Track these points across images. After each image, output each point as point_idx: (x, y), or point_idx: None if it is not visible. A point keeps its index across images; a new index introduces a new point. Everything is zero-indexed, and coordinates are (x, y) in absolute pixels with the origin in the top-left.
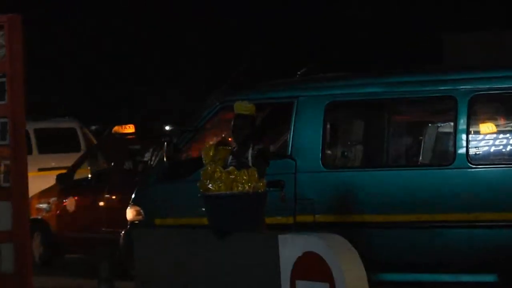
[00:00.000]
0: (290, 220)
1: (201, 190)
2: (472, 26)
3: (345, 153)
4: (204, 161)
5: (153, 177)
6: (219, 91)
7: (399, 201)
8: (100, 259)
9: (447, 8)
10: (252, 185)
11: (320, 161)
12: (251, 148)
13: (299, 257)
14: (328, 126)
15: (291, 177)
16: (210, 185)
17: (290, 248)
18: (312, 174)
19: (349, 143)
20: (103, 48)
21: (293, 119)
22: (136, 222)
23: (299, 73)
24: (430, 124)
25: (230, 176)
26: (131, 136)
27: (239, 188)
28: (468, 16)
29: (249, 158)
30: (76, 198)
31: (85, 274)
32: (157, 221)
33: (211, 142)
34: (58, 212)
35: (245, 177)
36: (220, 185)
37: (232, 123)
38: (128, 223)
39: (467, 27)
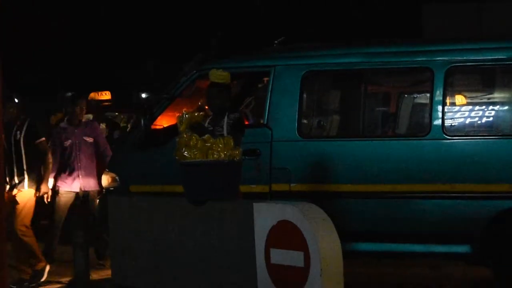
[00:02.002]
0: (266, 189)
1: (177, 158)
2: None
3: (321, 123)
4: (179, 129)
5: (129, 144)
6: (196, 59)
7: (374, 171)
8: (75, 225)
9: None
10: (227, 153)
11: (296, 130)
12: (226, 117)
13: (274, 226)
14: (305, 95)
15: (267, 146)
16: (185, 152)
17: (265, 217)
18: (287, 143)
19: (325, 112)
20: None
21: (270, 88)
22: (111, 188)
23: (276, 42)
24: (406, 95)
25: (206, 144)
26: (107, 103)
27: (215, 156)
28: None
29: (224, 126)
30: None
31: (60, 241)
32: (133, 188)
33: (185, 110)
34: None
35: (220, 145)
36: (196, 152)
37: (207, 91)
38: (104, 189)
39: None
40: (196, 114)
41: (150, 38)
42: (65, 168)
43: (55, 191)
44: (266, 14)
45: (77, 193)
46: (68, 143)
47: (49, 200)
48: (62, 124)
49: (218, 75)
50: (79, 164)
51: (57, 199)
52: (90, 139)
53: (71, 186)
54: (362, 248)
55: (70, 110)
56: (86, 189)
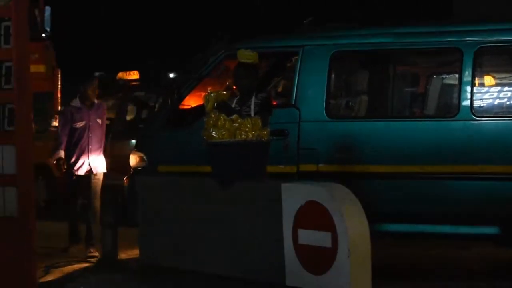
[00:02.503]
0: (293, 169)
1: (205, 138)
2: None
3: (349, 103)
4: (205, 108)
5: (157, 124)
6: (225, 39)
7: (402, 152)
8: (104, 205)
9: None
10: (255, 134)
11: (324, 111)
12: (254, 97)
13: (302, 206)
14: (333, 76)
15: (294, 126)
16: (213, 133)
17: (293, 197)
18: (315, 124)
19: (353, 93)
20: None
21: (298, 68)
22: (139, 168)
23: (305, 22)
24: (435, 76)
25: (234, 124)
26: (135, 83)
27: (243, 136)
28: None
29: (252, 106)
30: None
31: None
32: (161, 168)
33: (210, 89)
34: None
35: (248, 126)
36: (224, 133)
37: (234, 71)
38: (131, 169)
39: None
40: (222, 93)
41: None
42: (74, 149)
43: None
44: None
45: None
46: (82, 124)
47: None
48: (74, 103)
49: (246, 55)
50: (90, 147)
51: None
52: (100, 121)
53: (81, 169)
54: (391, 229)
55: (83, 91)
56: (95, 171)
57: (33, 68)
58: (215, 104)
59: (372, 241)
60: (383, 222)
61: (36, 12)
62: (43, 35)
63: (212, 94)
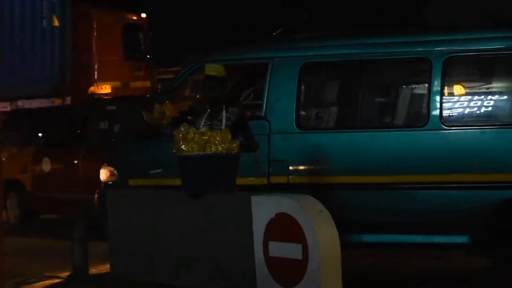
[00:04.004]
0: (264, 181)
1: (174, 151)
2: None
3: (319, 114)
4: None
5: (128, 138)
6: (198, 51)
7: (372, 163)
8: (75, 219)
9: None
10: (225, 146)
11: (294, 122)
12: (224, 110)
13: (272, 219)
14: (303, 87)
15: (265, 138)
16: (183, 146)
17: (263, 210)
18: (285, 135)
19: (323, 104)
20: None
21: (268, 80)
22: (110, 182)
23: (274, 33)
24: (404, 86)
25: (203, 137)
26: (107, 97)
27: (212, 149)
28: None
29: (223, 120)
30: (51, 158)
31: (60, 235)
32: (131, 182)
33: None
34: (33, 172)
35: (218, 138)
36: (193, 146)
37: (202, 84)
38: (102, 183)
39: None
40: (168, 105)
41: None
42: None
43: None
44: (265, 13)
45: None
46: None
47: None
48: None
49: (213, 68)
50: None
51: None
52: None
53: None
54: (362, 240)
55: None
56: None
57: (141, 84)
58: (171, 117)
59: (343, 251)
60: (355, 233)
61: (141, 35)
62: (147, 56)
63: (157, 108)
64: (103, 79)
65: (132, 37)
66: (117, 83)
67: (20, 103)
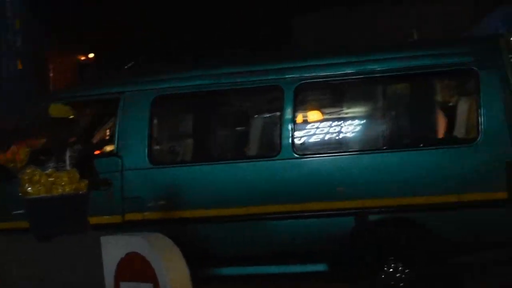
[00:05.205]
0: (119, 219)
1: (21, 194)
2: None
3: (173, 148)
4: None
5: None
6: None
7: (227, 195)
8: None
9: None
10: (73, 186)
11: (147, 158)
12: (67, 150)
13: (122, 258)
14: (155, 121)
15: (118, 175)
16: (29, 188)
17: (113, 249)
18: (139, 171)
19: (177, 138)
20: None
21: (119, 115)
22: None
23: (126, 67)
24: (257, 115)
25: (50, 179)
26: None
27: (59, 190)
28: None
29: (67, 160)
30: None
31: None
32: None
33: (14, 146)
34: None
35: (65, 179)
36: (40, 188)
37: (48, 126)
38: None
39: (315, 7)
40: (23, 149)
41: None
42: None
43: None
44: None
45: None
46: None
47: None
48: None
49: (57, 110)
50: None
51: None
52: None
53: None
54: (220, 273)
55: None
56: None
57: None
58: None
59: (203, 286)
60: (213, 266)
61: None
62: None
63: (12, 147)
64: None
65: None
66: None
67: None
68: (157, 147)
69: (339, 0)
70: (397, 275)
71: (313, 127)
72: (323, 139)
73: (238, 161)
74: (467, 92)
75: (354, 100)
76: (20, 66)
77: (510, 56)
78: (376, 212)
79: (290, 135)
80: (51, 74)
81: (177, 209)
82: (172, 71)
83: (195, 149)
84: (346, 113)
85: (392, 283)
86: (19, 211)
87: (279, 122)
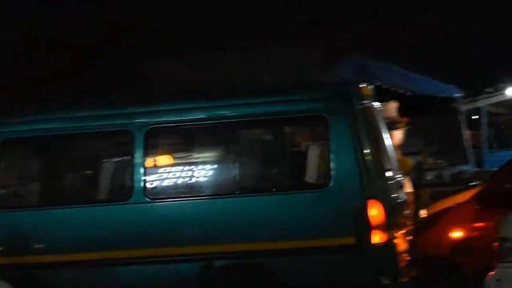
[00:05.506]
0: None
1: None
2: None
3: (18, 193)
4: None
5: None
6: None
7: (77, 240)
8: None
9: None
10: None
11: None
12: None
13: None
14: (2, 165)
15: None
16: None
17: None
18: None
19: (24, 182)
20: None
21: None
22: None
23: None
24: (108, 160)
25: None
26: None
27: None
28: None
29: None
30: None
31: None
32: None
33: None
34: None
35: None
36: None
37: None
38: None
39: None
40: None
41: None
42: None
43: None
44: None
45: None
46: None
47: None
48: None
49: None
50: None
51: None
52: None
53: None
54: None
55: None
56: None
57: None
58: None
59: None
60: None
61: None
62: None
63: None
64: None
65: None
66: None
67: None
68: (4, 191)
69: (193, 45)
70: None
71: (165, 172)
72: (175, 183)
73: (89, 205)
74: (318, 138)
75: (205, 144)
76: None
77: (361, 102)
78: (225, 258)
79: (142, 179)
80: None
81: (26, 254)
82: (19, 114)
83: (44, 194)
84: (198, 158)
85: None
86: None
87: (131, 166)
